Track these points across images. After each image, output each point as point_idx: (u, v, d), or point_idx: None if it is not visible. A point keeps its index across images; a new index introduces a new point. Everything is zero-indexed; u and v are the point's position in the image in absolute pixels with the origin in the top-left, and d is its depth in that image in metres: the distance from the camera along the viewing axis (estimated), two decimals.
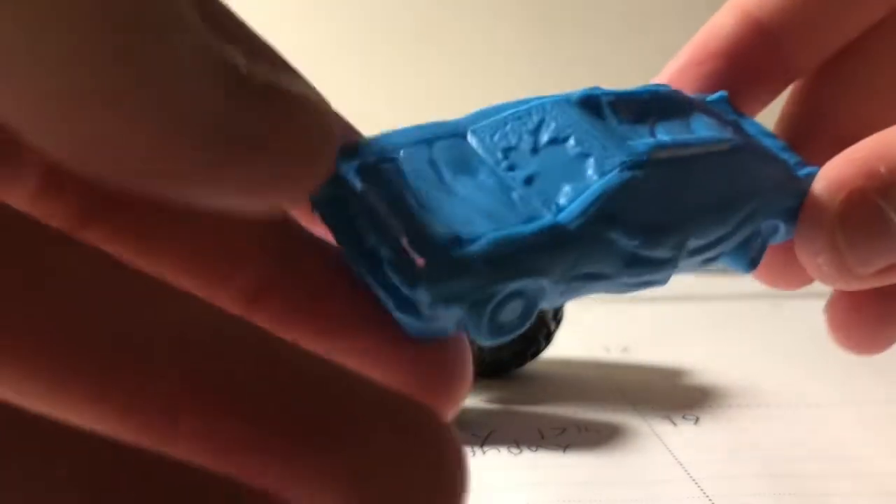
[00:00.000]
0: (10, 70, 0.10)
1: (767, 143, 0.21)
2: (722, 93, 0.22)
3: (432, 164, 0.17)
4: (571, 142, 0.17)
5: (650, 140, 0.18)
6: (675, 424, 0.38)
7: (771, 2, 0.23)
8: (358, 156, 0.16)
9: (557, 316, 0.44)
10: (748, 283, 0.79)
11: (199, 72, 0.11)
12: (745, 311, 0.64)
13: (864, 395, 0.43)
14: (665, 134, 0.19)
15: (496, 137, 0.17)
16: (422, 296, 0.15)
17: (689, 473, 0.33)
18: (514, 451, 0.35)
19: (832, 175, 0.20)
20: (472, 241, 0.15)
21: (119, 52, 0.10)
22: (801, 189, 0.20)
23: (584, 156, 0.17)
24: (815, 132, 0.24)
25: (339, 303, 0.16)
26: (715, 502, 0.31)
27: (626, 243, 0.17)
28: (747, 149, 0.20)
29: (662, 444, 0.36)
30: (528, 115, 0.18)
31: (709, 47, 0.23)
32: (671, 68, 0.23)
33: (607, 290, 0.18)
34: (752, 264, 0.20)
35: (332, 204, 0.16)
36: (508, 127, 0.18)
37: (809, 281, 0.23)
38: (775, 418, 0.40)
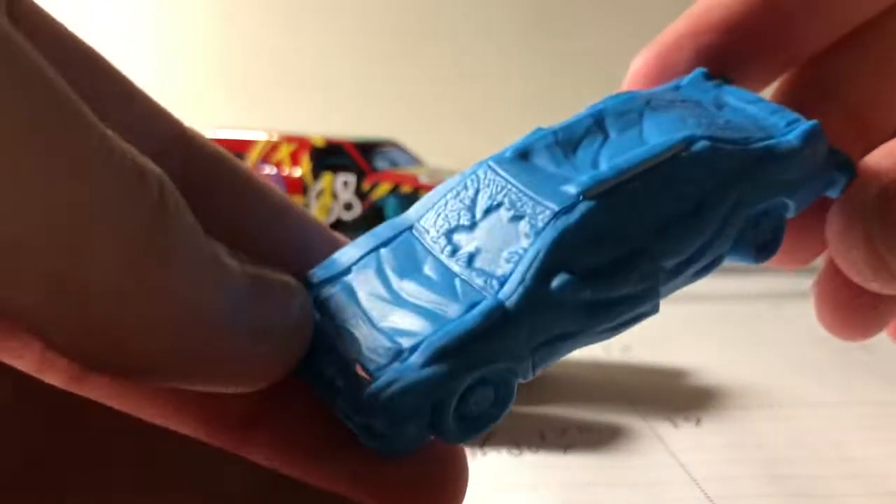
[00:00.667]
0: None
1: (753, 110, 0.20)
2: (698, 70, 0.21)
3: (380, 272, 0.17)
4: (505, 206, 0.16)
5: (583, 179, 0.16)
6: (676, 425, 0.38)
7: None
8: (311, 288, 0.16)
9: None
10: (748, 283, 0.79)
11: (211, 281, 0.12)
12: (746, 311, 0.64)
13: (864, 395, 0.43)
14: (611, 156, 0.17)
15: (439, 222, 0.17)
16: (376, 421, 0.15)
17: (690, 474, 0.33)
18: (515, 452, 0.35)
19: (870, 167, 0.19)
20: (413, 349, 0.15)
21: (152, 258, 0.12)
22: (798, 154, 0.18)
23: (518, 218, 0.16)
24: (826, 102, 0.22)
25: (324, 428, 0.16)
26: (716, 503, 0.31)
27: (577, 297, 0.16)
28: (716, 137, 0.18)
29: (664, 445, 0.36)
30: (463, 188, 0.17)
31: (711, 17, 0.21)
32: (666, 38, 0.21)
33: (590, 343, 0.17)
34: (760, 253, 0.19)
35: None
36: (448, 207, 0.17)
37: (812, 257, 0.22)
38: (776, 419, 0.40)
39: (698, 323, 0.61)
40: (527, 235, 0.16)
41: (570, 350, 0.17)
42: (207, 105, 0.85)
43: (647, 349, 0.53)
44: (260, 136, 0.60)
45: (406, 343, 0.15)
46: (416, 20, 0.88)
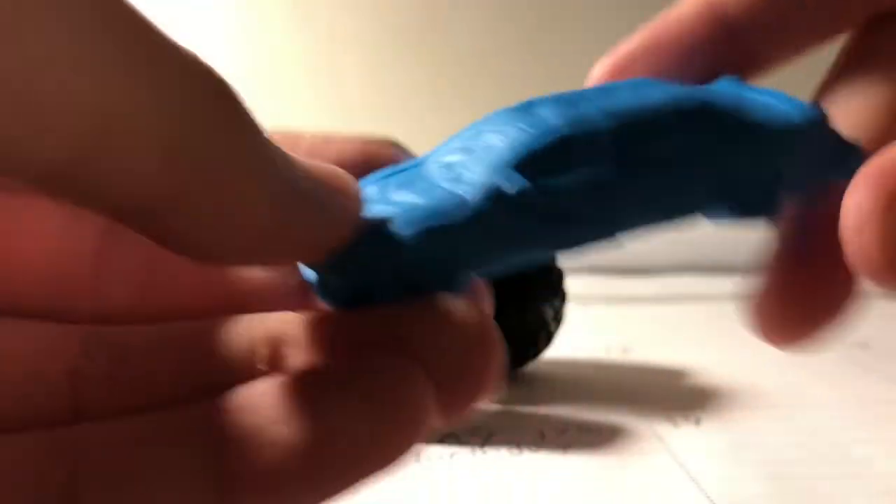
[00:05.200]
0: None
1: (767, 98, 0.19)
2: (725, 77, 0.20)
3: (383, 190, 0.17)
4: (496, 131, 0.17)
5: (570, 114, 0.17)
6: (676, 425, 0.38)
7: None
8: None
9: (557, 316, 0.44)
10: (748, 283, 0.78)
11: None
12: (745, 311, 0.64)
13: (864, 394, 0.43)
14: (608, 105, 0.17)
15: (446, 157, 0.17)
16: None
17: (689, 474, 0.33)
18: (515, 451, 0.35)
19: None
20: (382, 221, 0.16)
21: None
22: (796, 131, 0.18)
23: (499, 134, 0.17)
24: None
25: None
26: (716, 503, 0.31)
27: (529, 186, 0.16)
28: (713, 101, 0.18)
29: (663, 445, 0.36)
30: (475, 128, 0.18)
31: (664, 36, 0.21)
32: (622, 51, 0.21)
33: (550, 249, 0.17)
34: (742, 211, 0.18)
35: None
36: (455, 142, 0.18)
37: (810, 336, 0.21)
38: (776, 419, 0.40)
39: (698, 323, 0.61)
40: (500, 143, 0.17)
41: (523, 256, 0.17)
42: None
43: (647, 349, 0.53)
44: None
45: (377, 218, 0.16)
46: (416, 20, 0.88)
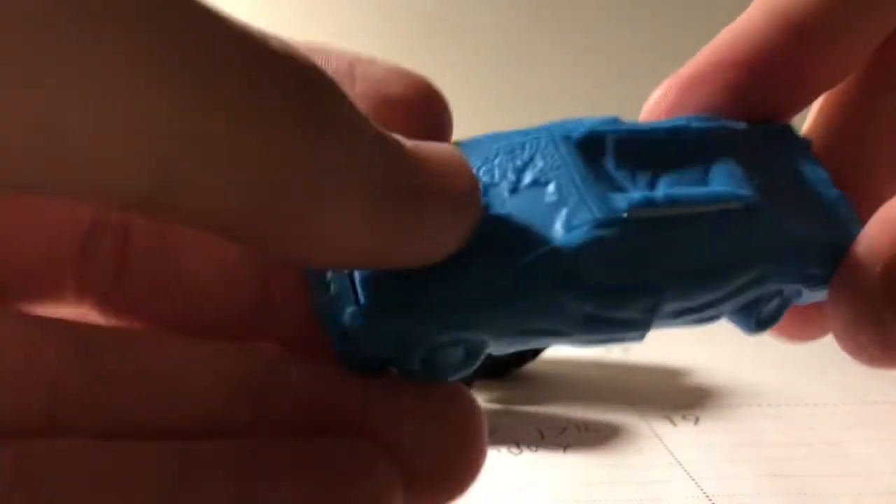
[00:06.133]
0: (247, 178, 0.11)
1: (822, 192, 0.19)
2: (783, 126, 0.20)
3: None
4: (551, 187, 0.16)
5: (636, 196, 0.16)
6: (674, 424, 0.39)
7: (807, 2, 0.20)
8: None
9: None
10: None
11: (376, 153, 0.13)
12: None
13: (864, 395, 0.43)
14: (667, 185, 0.17)
15: (481, 171, 0.17)
16: (356, 325, 0.15)
17: (688, 473, 0.33)
18: (514, 451, 0.35)
19: (868, 241, 0.18)
20: (420, 287, 0.15)
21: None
22: (832, 253, 0.18)
23: (559, 205, 0.16)
24: (867, 135, 0.21)
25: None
26: (715, 502, 0.31)
27: (579, 306, 0.15)
28: (768, 208, 0.17)
29: (662, 444, 0.36)
30: (520, 149, 0.17)
31: (735, 50, 0.20)
32: (690, 71, 0.21)
33: (568, 344, 0.17)
34: (758, 326, 0.18)
35: None
36: (497, 160, 0.17)
37: (822, 334, 0.21)
38: (775, 418, 0.40)
39: None
40: (559, 227, 0.16)
41: (551, 344, 0.17)
42: None
43: (646, 349, 0.53)
44: None
45: (414, 277, 0.15)
46: (425, 18, 0.88)
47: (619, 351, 0.51)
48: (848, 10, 0.20)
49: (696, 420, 0.39)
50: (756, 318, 0.18)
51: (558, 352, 0.46)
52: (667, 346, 0.54)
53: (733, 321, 0.18)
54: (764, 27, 0.20)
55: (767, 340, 0.59)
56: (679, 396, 0.43)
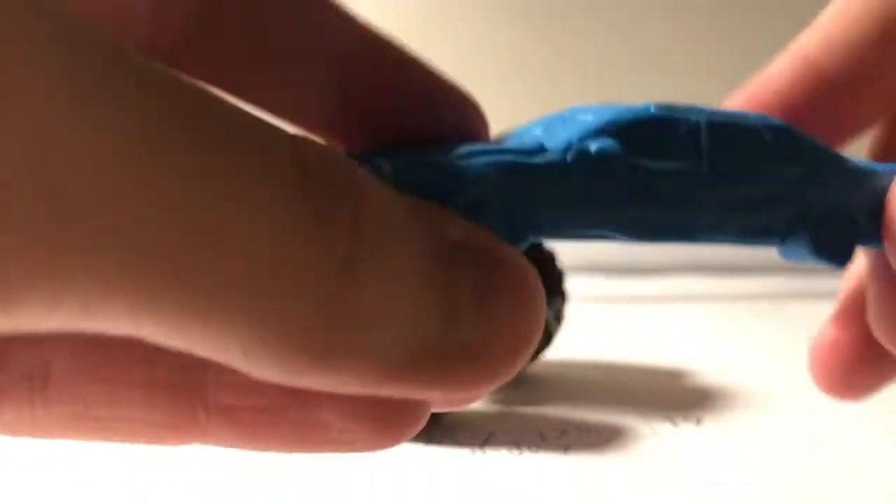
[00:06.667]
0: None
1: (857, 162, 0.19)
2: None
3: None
4: (588, 114, 0.17)
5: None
6: (676, 425, 0.38)
7: (836, 49, 0.21)
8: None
9: (558, 317, 0.44)
10: (748, 283, 0.79)
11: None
12: (745, 311, 0.64)
13: None
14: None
15: (538, 131, 0.17)
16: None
17: (690, 474, 0.33)
18: (515, 452, 0.35)
19: None
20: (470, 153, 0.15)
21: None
22: (878, 188, 0.18)
23: (593, 114, 0.17)
24: None
25: None
26: (717, 503, 0.31)
27: (617, 168, 0.16)
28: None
29: (663, 445, 0.36)
30: (560, 115, 0.17)
31: (764, 97, 0.21)
32: None
33: (613, 235, 0.16)
34: (822, 252, 0.18)
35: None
36: (550, 121, 0.17)
37: (875, 389, 0.21)
38: (776, 418, 0.40)
39: (698, 323, 0.61)
40: (592, 116, 0.17)
41: (593, 229, 0.16)
42: None
43: (646, 349, 0.53)
44: None
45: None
46: (429, 15, 0.88)
47: (619, 351, 0.51)
48: (879, 57, 0.21)
49: (698, 421, 0.39)
50: (815, 242, 0.18)
51: (559, 353, 0.46)
52: (668, 346, 0.54)
53: (795, 251, 0.18)
54: (793, 75, 0.21)
55: (767, 340, 0.59)
56: (680, 397, 0.43)
